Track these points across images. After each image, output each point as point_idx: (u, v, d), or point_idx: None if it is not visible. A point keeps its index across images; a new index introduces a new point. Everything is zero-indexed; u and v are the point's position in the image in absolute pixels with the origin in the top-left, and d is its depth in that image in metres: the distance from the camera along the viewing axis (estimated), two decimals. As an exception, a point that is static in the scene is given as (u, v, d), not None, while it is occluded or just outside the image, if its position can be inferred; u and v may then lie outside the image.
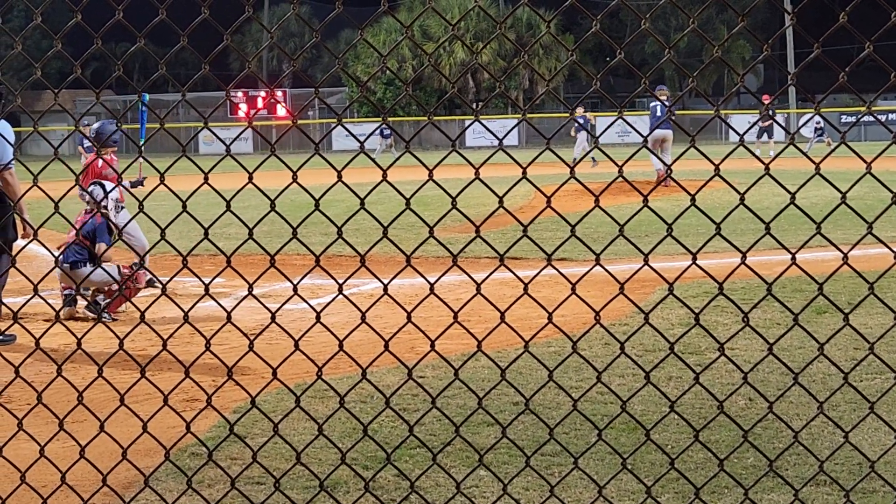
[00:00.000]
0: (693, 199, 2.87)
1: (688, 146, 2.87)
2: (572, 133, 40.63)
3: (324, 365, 3.32)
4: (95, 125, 14.44)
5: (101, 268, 11.19)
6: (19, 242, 10.30)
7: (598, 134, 46.37)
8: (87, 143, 14.37)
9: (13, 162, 9.98)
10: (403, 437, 6.42)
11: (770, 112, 36.52)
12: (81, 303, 11.64)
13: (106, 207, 11.71)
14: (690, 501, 5.12)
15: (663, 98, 27.19)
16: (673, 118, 27.77)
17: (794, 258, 2.95)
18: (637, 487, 5.53)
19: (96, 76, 73.08)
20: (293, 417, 6.76)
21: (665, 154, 25.89)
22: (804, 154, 3.09)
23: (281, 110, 63.30)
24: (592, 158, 36.79)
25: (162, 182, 3.16)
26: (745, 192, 2.85)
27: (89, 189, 11.66)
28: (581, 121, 39.05)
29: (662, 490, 5.44)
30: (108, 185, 11.98)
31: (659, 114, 27.79)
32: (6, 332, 9.84)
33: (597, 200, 2.83)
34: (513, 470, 5.84)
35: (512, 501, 5.12)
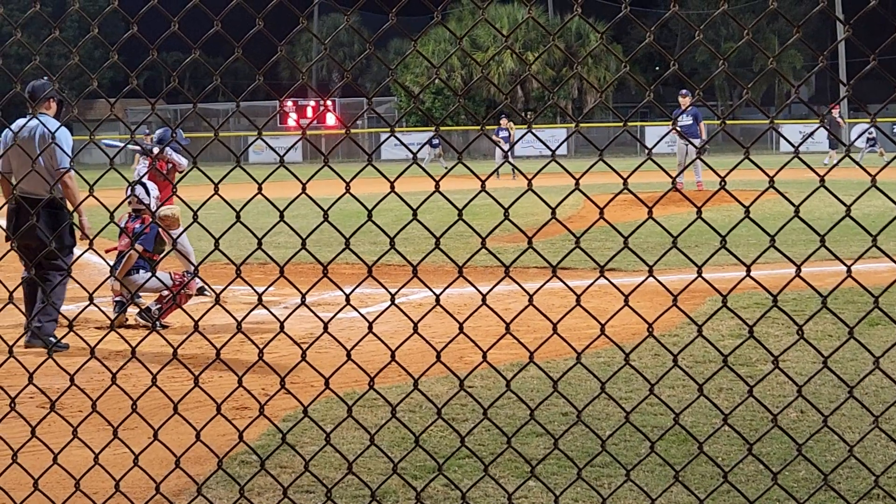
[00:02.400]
0: (747, 211, 2.85)
1: (742, 158, 2.86)
2: (495, 138, 40.81)
3: (376, 374, 3.33)
4: (158, 132, 14.56)
5: (155, 276, 11.27)
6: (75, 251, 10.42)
7: (651, 145, 46.31)
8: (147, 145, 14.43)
9: (69, 164, 10.08)
10: (452, 447, 6.42)
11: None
12: (132, 310, 11.72)
13: (150, 207, 11.76)
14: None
15: (685, 102, 26.88)
16: (682, 127, 27.38)
17: (849, 270, 2.92)
18: (687, 500, 5.49)
19: (148, 86, 73.68)
20: (343, 426, 6.77)
21: (686, 161, 25.56)
22: (858, 165, 3.06)
23: (330, 119, 63.53)
24: (513, 171, 35.43)
25: (216, 192, 3.18)
26: (800, 204, 2.83)
27: (129, 193, 11.72)
28: (504, 133, 39.42)
29: (713, 503, 5.41)
30: (151, 185, 12.06)
31: (683, 121, 27.48)
32: (61, 341, 9.90)
33: (650, 211, 2.82)
34: (562, 481, 5.82)
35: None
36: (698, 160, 24.96)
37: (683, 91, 28.74)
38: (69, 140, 10.14)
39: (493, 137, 41.01)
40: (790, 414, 7.07)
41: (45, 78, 11.25)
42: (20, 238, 9.66)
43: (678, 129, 25.67)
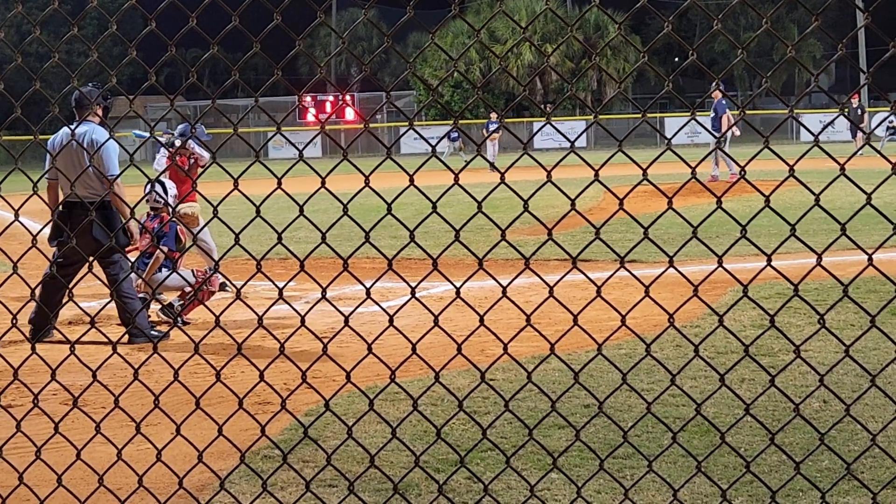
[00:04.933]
0: (767, 201, 2.84)
1: (761, 147, 2.85)
2: (485, 133, 41.32)
3: (397, 368, 3.33)
4: (180, 127, 14.56)
5: (177, 272, 11.30)
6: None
7: (670, 136, 46.25)
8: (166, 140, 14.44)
9: (118, 170, 10.27)
10: (474, 440, 6.42)
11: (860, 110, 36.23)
12: (154, 307, 11.76)
13: (168, 205, 11.80)
14: (766, 505, 5.08)
15: (716, 95, 26.97)
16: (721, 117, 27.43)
17: (870, 259, 2.91)
18: (710, 490, 5.48)
19: (168, 82, 73.84)
20: (365, 420, 6.78)
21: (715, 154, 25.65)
22: (879, 153, 3.04)
23: (349, 114, 63.54)
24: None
25: (236, 187, 3.19)
26: (820, 193, 2.82)
27: (147, 191, 11.77)
28: (493, 126, 39.73)
29: (736, 493, 5.39)
30: (168, 184, 12.09)
31: (717, 112, 27.52)
32: (159, 330, 10.64)
33: (670, 202, 2.82)
34: (584, 473, 5.81)
35: (584, 504, 5.11)
36: (718, 152, 24.99)
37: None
38: (116, 147, 10.27)
39: (484, 132, 41.48)
40: (812, 404, 7.06)
41: (91, 85, 11.40)
42: (73, 239, 9.83)
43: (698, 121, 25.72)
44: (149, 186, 11.69)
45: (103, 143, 10.03)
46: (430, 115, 66.39)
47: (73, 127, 9.95)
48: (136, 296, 10.82)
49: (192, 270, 11.67)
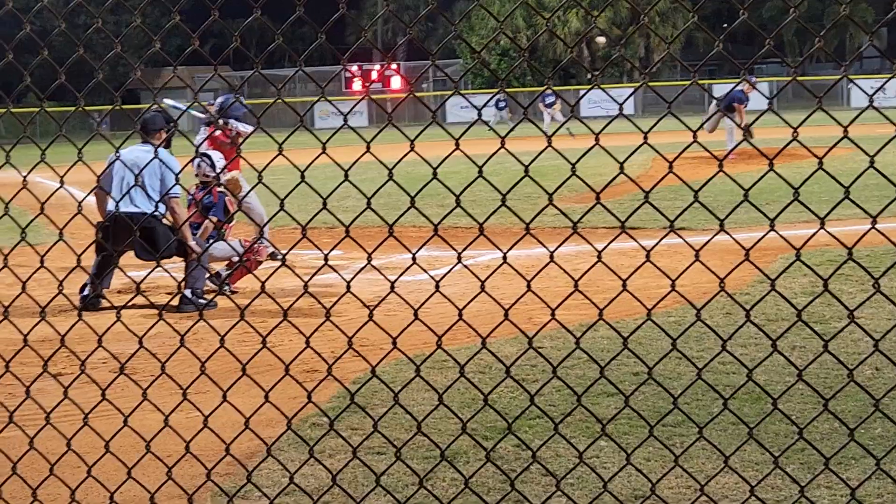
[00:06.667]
0: (821, 163, 2.79)
1: (814, 108, 2.78)
2: (542, 106, 41.55)
3: (443, 334, 3.31)
4: (219, 99, 14.54)
5: (226, 241, 11.36)
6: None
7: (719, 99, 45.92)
8: (203, 117, 14.49)
9: (179, 191, 10.47)
10: (521, 407, 6.40)
11: None
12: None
13: (218, 178, 11.85)
14: (819, 472, 5.03)
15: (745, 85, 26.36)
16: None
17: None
18: (760, 458, 5.44)
19: (214, 52, 74.03)
20: (411, 387, 6.77)
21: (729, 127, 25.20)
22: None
23: (395, 83, 63.52)
24: (568, 130, 34.87)
25: (280, 153, 3.17)
26: (875, 154, 2.75)
27: (196, 163, 11.83)
28: (550, 99, 39.61)
29: (786, 461, 5.35)
30: (215, 155, 12.10)
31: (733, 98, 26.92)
32: (206, 298, 10.91)
33: (721, 164, 2.77)
34: (633, 440, 5.78)
35: (634, 471, 5.08)
36: (734, 130, 24.59)
37: (750, 77, 28.28)
38: (176, 165, 10.50)
39: (541, 105, 41.35)
40: (865, 371, 6.98)
41: (156, 110, 11.66)
42: (119, 246, 10.25)
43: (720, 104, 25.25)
44: (197, 160, 11.80)
45: (155, 164, 10.37)
46: (476, 83, 66.23)
47: (136, 147, 10.91)
48: (206, 271, 11.10)
49: (240, 240, 11.71)
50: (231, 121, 13.56)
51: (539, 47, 65.01)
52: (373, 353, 7.62)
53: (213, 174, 11.74)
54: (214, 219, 11.41)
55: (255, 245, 11.91)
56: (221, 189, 11.79)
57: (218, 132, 14.00)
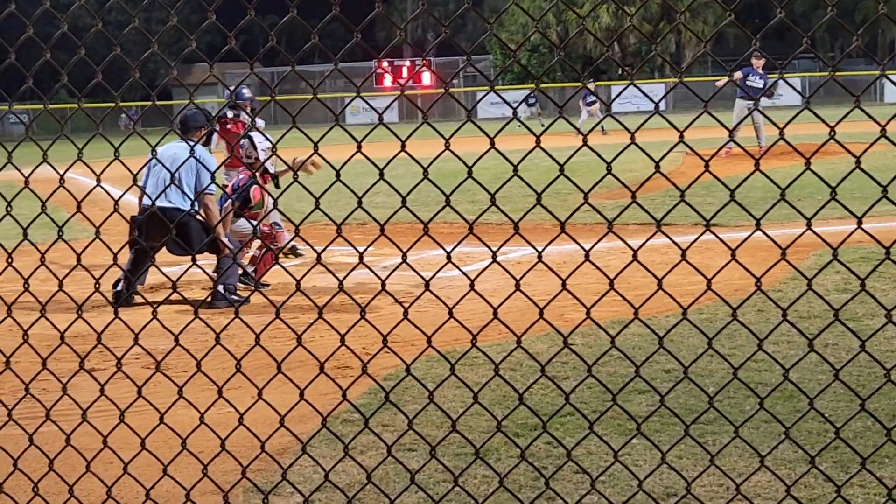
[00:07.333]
0: (858, 162, 2.77)
1: (852, 107, 2.76)
2: (582, 105, 41.96)
3: (478, 332, 3.31)
4: (244, 92, 14.64)
5: (244, 217, 11.47)
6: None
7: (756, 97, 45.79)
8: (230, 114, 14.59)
9: (214, 189, 10.63)
10: (555, 405, 6.40)
11: None
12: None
13: (258, 158, 11.97)
14: (856, 471, 5.00)
15: (759, 64, 25.87)
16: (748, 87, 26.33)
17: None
18: (794, 456, 5.42)
19: (245, 49, 74.27)
20: (445, 385, 6.78)
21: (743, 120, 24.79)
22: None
23: (426, 79, 63.51)
24: (602, 127, 35.48)
25: (316, 152, 3.18)
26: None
27: (242, 144, 11.99)
28: (591, 99, 40.07)
29: (820, 459, 5.32)
30: (258, 137, 12.17)
31: (754, 83, 26.36)
32: (240, 295, 10.99)
33: (757, 163, 2.76)
34: (666, 438, 5.77)
35: (667, 470, 5.07)
36: (761, 124, 24.10)
37: (757, 53, 27.99)
38: (212, 162, 10.60)
39: (581, 103, 41.66)
40: (899, 369, 6.94)
41: (195, 109, 11.76)
42: (153, 241, 10.30)
43: (743, 88, 24.75)
44: (243, 141, 11.89)
45: (192, 160, 10.38)
46: (507, 79, 66.21)
47: (174, 144, 10.98)
48: (238, 268, 11.20)
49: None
50: (242, 113, 13.84)
51: (569, 43, 64.84)
52: (404, 350, 7.63)
53: (255, 155, 11.93)
54: (237, 203, 11.46)
55: (273, 230, 12.03)
56: (255, 175, 11.83)
57: (230, 125, 14.15)
